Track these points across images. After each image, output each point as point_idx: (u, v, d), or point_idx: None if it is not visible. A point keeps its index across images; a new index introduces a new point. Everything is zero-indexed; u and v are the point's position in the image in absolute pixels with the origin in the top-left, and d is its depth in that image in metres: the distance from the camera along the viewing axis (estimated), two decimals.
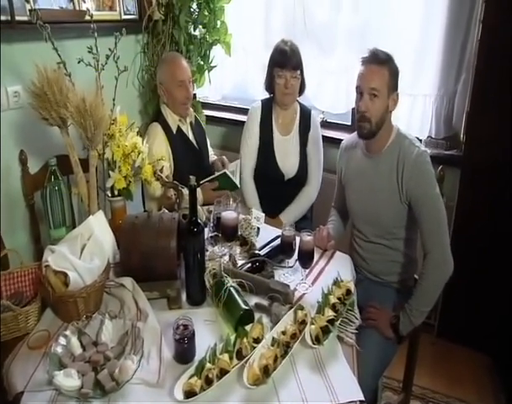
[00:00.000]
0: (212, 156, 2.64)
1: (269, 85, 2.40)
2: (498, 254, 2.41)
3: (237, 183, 2.30)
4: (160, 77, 2.35)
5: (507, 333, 2.36)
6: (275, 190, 2.46)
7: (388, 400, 2.28)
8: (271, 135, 2.45)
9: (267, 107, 2.47)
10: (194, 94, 2.90)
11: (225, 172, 2.25)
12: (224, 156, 2.52)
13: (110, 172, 1.84)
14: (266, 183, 2.49)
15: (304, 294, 1.61)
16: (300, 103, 2.50)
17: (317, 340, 1.35)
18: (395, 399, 2.25)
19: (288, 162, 2.45)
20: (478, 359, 2.53)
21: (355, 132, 2.04)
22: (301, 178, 2.49)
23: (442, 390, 2.38)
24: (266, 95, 2.51)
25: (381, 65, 1.75)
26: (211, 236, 1.84)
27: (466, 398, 2.33)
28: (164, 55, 2.58)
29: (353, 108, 2.80)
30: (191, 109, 2.48)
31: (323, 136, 2.68)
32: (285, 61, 2.29)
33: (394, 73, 1.78)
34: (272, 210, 2.34)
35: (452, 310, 2.59)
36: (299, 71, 2.32)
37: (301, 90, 2.42)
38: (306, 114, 2.48)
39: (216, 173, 2.31)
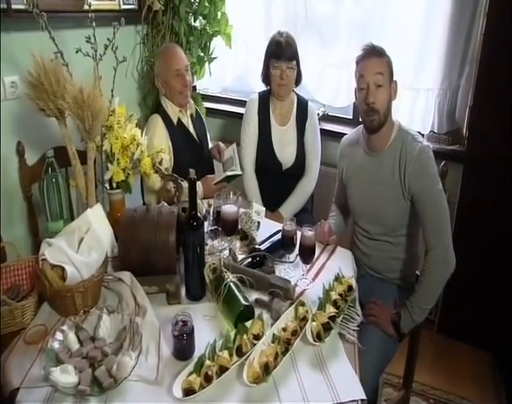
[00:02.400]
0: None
1: (266, 76, 2.42)
2: (499, 250, 2.40)
3: (238, 168, 2.28)
4: (157, 70, 2.35)
5: (508, 329, 2.35)
6: (274, 182, 2.47)
7: (388, 396, 2.27)
8: (269, 125, 2.47)
9: (264, 98, 2.49)
10: (194, 86, 2.87)
11: (227, 175, 2.23)
12: (220, 142, 2.49)
13: (109, 164, 1.81)
14: (264, 174, 2.50)
15: (305, 290, 1.59)
16: (297, 94, 2.51)
17: (319, 337, 1.33)
18: (395, 395, 2.24)
19: (286, 152, 2.47)
20: (479, 356, 2.52)
21: (355, 129, 2.04)
22: (298, 167, 2.50)
23: (442, 386, 2.37)
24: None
25: (381, 56, 1.77)
26: (211, 230, 1.83)
27: (466, 395, 2.32)
28: (159, 48, 2.56)
29: (354, 102, 2.77)
30: (192, 102, 2.46)
31: (325, 130, 2.68)
32: (280, 52, 2.30)
33: (391, 64, 1.80)
34: (271, 204, 2.34)
35: (453, 307, 2.58)
36: (294, 62, 2.33)
37: (298, 81, 2.44)
38: (303, 105, 2.49)
39: (219, 178, 2.27)
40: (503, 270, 2.40)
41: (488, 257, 2.44)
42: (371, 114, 1.77)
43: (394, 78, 1.81)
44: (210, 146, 2.60)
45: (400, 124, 1.84)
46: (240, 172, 2.30)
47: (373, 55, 1.77)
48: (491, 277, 2.45)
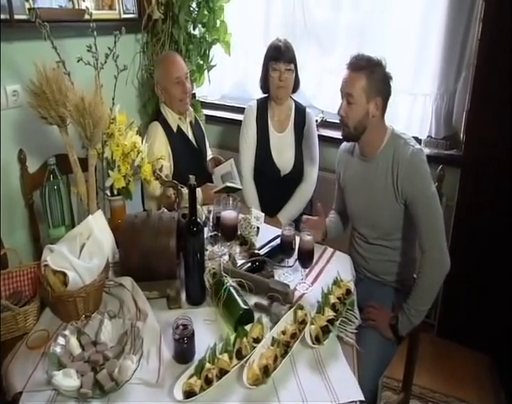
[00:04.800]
0: (209, 156, 2.63)
1: (264, 82, 2.44)
2: (497, 253, 2.41)
3: (238, 183, 2.29)
4: (157, 77, 2.37)
5: (507, 332, 2.36)
6: (272, 188, 2.49)
7: (388, 399, 2.27)
8: (267, 132, 2.49)
9: (262, 105, 2.51)
10: (194, 93, 2.89)
11: (227, 186, 2.25)
12: (217, 155, 2.51)
13: (109, 171, 1.83)
14: (263, 180, 2.52)
15: (304, 293, 1.60)
16: (294, 101, 2.54)
17: (317, 340, 1.34)
18: (395, 399, 2.24)
19: (284, 158, 2.49)
20: (478, 359, 2.52)
21: None
22: (296, 173, 2.52)
23: (442, 389, 2.37)
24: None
25: (357, 71, 1.73)
26: (211, 236, 1.84)
27: (465, 397, 2.32)
28: (159, 56, 2.59)
29: None
30: (191, 109, 2.48)
31: (323, 136, 2.70)
32: (279, 54, 2.34)
33: (375, 79, 1.73)
34: (269, 210, 2.35)
35: (452, 310, 2.59)
36: (293, 65, 2.36)
37: (296, 87, 2.46)
38: (300, 111, 2.52)
39: (219, 187, 2.28)
40: (501, 273, 2.41)
41: (486, 261, 2.44)
42: (341, 124, 1.83)
43: (385, 92, 1.77)
44: (209, 153, 2.63)
45: (393, 130, 1.85)
46: (240, 187, 2.32)
47: (350, 68, 1.75)
48: (489, 280, 2.46)
